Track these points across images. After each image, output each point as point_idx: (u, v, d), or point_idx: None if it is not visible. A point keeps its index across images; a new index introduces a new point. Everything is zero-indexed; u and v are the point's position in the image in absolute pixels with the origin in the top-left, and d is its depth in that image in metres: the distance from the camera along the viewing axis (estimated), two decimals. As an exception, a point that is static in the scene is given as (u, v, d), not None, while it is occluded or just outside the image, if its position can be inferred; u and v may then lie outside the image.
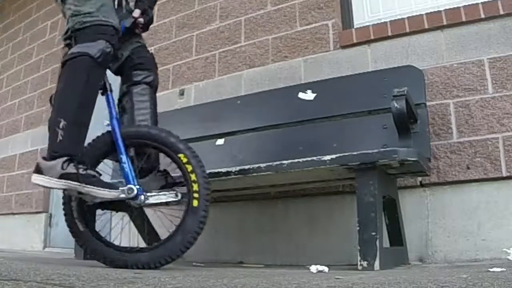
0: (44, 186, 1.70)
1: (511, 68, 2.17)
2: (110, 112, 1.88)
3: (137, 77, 2.03)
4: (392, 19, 2.59)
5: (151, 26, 2.17)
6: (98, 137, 1.89)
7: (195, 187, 1.69)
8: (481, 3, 2.29)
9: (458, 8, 2.34)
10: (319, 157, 1.80)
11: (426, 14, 2.44)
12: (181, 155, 1.74)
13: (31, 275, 1.06)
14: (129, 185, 1.74)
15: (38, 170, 1.68)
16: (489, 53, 2.23)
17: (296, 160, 1.84)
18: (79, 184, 1.64)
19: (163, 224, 2.99)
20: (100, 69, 1.78)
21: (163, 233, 2.82)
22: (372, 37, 2.57)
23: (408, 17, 2.50)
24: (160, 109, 3.31)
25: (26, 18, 5.08)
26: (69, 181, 1.64)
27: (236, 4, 3.20)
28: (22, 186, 4.28)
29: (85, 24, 1.73)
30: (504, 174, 2.07)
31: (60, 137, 1.68)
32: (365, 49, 2.59)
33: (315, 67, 2.73)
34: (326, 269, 1.56)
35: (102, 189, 1.68)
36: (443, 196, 2.20)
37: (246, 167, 1.95)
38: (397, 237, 2.03)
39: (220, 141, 2.58)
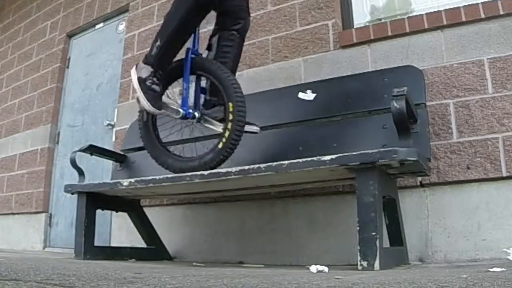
0: (132, 77, 2.20)
1: (511, 68, 2.17)
2: (193, 45, 2.31)
3: (227, 23, 2.28)
4: (392, 19, 2.59)
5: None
6: (176, 61, 2.31)
7: (226, 134, 2.10)
8: (481, 3, 2.29)
9: (458, 8, 2.34)
10: (319, 157, 1.80)
11: (426, 14, 2.44)
12: (230, 104, 2.10)
13: (31, 275, 1.06)
14: (180, 108, 2.22)
15: (136, 66, 2.22)
16: (489, 53, 2.23)
17: (296, 161, 1.84)
18: (139, 88, 2.14)
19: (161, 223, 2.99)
20: (198, 11, 2.15)
21: (161, 233, 2.83)
22: (372, 37, 2.57)
23: (408, 17, 2.50)
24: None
25: (26, 18, 5.08)
26: (137, 83, 2.14)
27: (236, 4, 3.20)
28: (22, 186, 4.27)
29: None
30: (504, 174, 2.07)
31: (154, 52, 2.18)
32: (365, 49, 2.59)
33: (315, 67, 2.73)
34: (326, 269, 1.56)
35: (145, 100, 2.12)
36: (443, 196, 2.19)
37: (246, 167, 1.95)
38: (397, 237, 2.03)
39: (220, 141, 2.58)
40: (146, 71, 2.16)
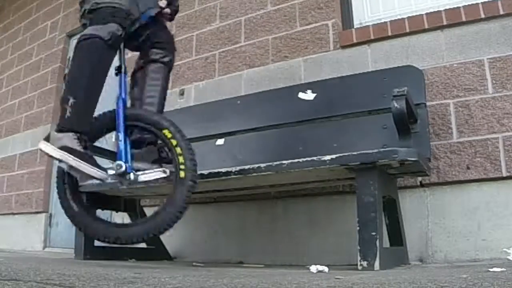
0: (44, 152, 1.77)
1: (511, 68, 2.17)
2: (120, 92, 1.97)
3: (154, 56, 2.11)
4: (392, 19, 2.59)
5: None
6: (104, 113, 1.96)
7: (181, 159, 1.75)
8: (481, 3, 2.29)
9: (458, 8, 2.34)
10: (319, 157, 1.80)
11: (426, 14, 2.44)
12: (165, 131, 1.80)
13: (31, 275, 1.06)
14: (118, 162, 1.79)
15: (47, 138, 1.79)
16: (489, 53, 2.23)
17: (296, 160, 1.84)
18: (73, 157, 1.71)
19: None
20: (110, 51, 1.87)
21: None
22: (372, 37, 2.57)
23: (408, 17, 2.50)
24: (160, 109, 3.32)
25: (26, 18, 5.08)
26: (66, 153, 1.72)
27: (236, 4, 3.20)
28: (22, 186, 4.27)
29: (98, 6, 1.85)
30: (504, 174, 2.07)
31: (68, 114, 1.76)
32: (365, 49, 2.59)
33: (315, 67, 2.73)
34: (326, 269, 1.56)
35: (91, 166, 1.73)
36: (443, 196, 2.19)
37: (246, 167, 1.95)
38: (397, 237, 2.03)
39: (220, 141, 2.58)
40: (69, 139, 1.75)
